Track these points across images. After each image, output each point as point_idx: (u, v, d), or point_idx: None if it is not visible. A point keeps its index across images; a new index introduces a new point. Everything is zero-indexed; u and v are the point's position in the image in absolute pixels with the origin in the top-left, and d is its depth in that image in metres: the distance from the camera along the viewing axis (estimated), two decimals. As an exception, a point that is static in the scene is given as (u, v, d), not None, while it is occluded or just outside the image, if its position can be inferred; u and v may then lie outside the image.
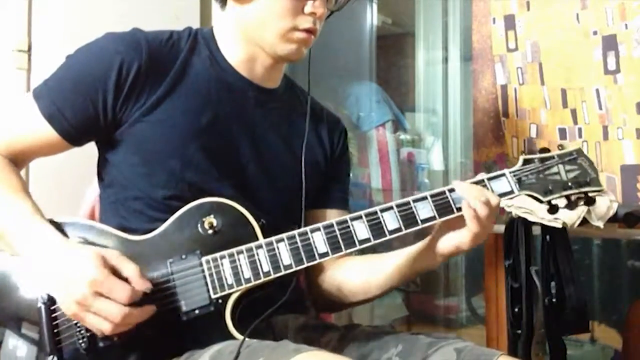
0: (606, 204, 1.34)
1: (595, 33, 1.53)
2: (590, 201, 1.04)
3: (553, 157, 1.04)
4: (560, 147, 1.06)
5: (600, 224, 1.32)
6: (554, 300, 1.40)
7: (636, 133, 1.47)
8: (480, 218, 0.98)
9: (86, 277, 0.89)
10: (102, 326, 0.90)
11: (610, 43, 1.51)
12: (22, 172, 1.12)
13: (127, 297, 0.89)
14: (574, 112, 1.57)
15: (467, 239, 1.00)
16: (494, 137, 1.71)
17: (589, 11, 1.54)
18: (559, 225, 1.33)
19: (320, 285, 1.20)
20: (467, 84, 2.68)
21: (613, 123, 1.50)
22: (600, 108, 1.52)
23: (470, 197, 0.98)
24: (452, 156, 2.83)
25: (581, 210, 1.32)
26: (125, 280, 0.91)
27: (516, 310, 1.46)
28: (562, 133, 1.63)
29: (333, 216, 1.02)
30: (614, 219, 1.34)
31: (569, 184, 1.02)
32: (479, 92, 1.74)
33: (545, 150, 1.06)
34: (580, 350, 2.34)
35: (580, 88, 1.56)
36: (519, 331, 1.45)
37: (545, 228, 1.40)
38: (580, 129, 1.57)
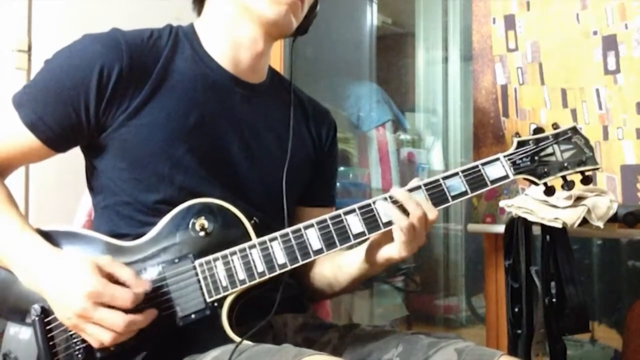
0: (606, 204, 1.34)
1: (595, 33, 1.53)
2: (586, 180, 1.03)
3: (547, 138, 1.02)
4: (554, 126, 1.04)
5: (600, 224, 1.31)
6: (554, 300, 1.39)
7: (636, 133, 1.46)
8: (409, 232, 0.96)
9: (84, 289, 0.87)
10: (104, 336, 0.87)
11: (610, 43, 1.51)
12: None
13: (131, 301, 0.87)
14: (574, 112, 1.57)
15: (395, 249, 0.99)
16: (494, 137, 1.71)
17: (589, 11, 1.54)
18: (559, 225, 1.33)
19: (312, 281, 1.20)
20: (467, 84, 2.69)
21: (613, 123, 1.50)
22: (600, 108, 1.52)
23: (398, 217, 0.96)
24: (452, 156, 2.84)
25: (581, 210, 1.32)
26: (123, 285, 0.89)
27: (516, 310, 1.45)
28: (562, 133, 1.63)
29: (316, 214, 1.00)
30: (614, 219, 1.34)
31: (565, 164, 1.01)
32: (479, 92, 1.74)
33: (539, 130, 1.03)
34: (580, 350, 2.35)
35: (580, 88, 1.56)
36: (519, 331, 1.44)
37: (545, 228, 1.40)
38: (580, 129, 1.57)
